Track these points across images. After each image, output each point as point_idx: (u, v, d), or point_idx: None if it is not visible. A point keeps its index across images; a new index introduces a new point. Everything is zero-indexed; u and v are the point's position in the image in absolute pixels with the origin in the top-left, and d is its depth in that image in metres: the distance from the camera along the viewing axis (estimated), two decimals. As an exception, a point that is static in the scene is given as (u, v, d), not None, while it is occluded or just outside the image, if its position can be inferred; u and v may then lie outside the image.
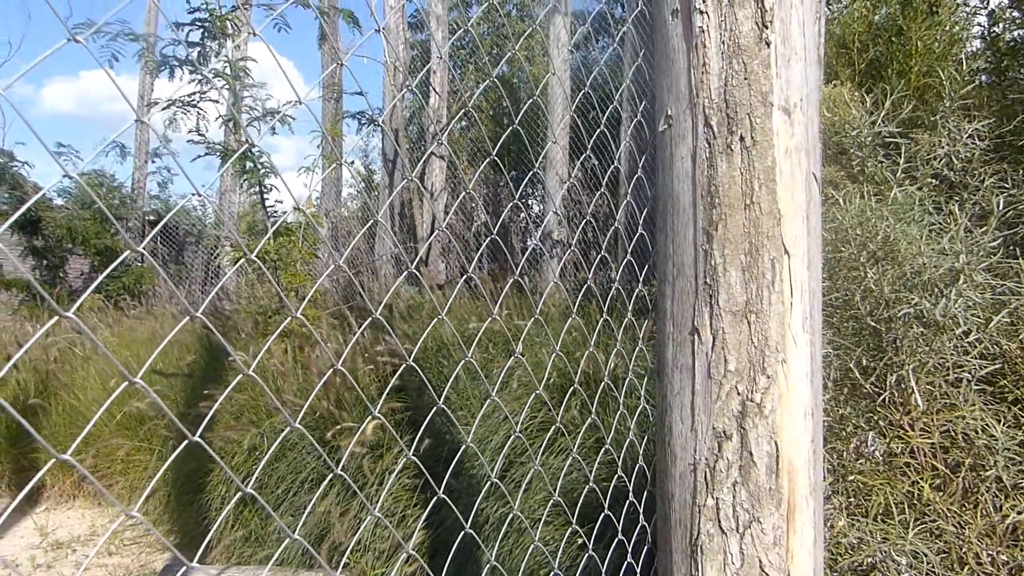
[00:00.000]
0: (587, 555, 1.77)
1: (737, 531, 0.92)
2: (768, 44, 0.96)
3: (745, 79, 0.95)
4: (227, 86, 5.11)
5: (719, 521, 0.93)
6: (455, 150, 8.92)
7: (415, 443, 2.98)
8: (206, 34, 5.12)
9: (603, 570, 1.69)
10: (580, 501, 2.12)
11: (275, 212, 5.74)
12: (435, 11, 9.86)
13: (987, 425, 1.39)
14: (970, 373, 1.50)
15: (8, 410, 0.57)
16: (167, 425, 4.40)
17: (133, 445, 4.46)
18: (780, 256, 0.94)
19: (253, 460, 3.75)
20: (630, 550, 1.48)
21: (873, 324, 1.56)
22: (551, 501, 2.88)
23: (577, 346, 3.73)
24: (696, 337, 0.97)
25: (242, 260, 5.46)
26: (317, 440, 3.46)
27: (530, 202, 9.90)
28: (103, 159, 13.01)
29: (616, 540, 1.68)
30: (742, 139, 0.95)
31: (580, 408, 3.10)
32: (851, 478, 1.49)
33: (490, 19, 11.52)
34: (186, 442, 0.82)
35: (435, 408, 1.12)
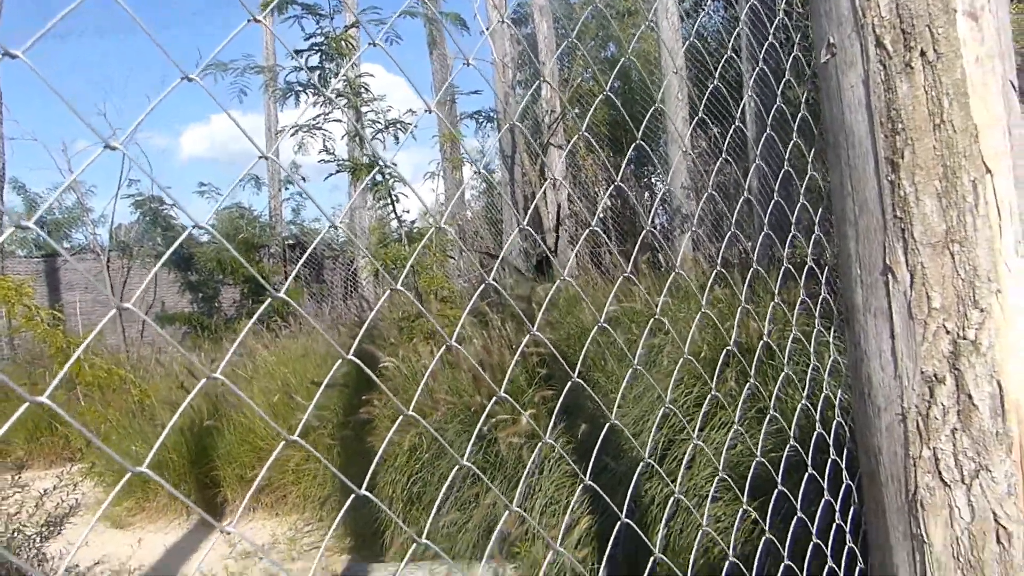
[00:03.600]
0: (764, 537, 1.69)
1: (963, 482, 0.84)
2: (941, -55, 0.87)
3: (919, -13, 0.87)
4: (349, 104, 5.28)
5: (939, 473, 0.85)
6: (571, 138, 8.86)
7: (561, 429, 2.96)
8: (324, 57, 5.31)
9: (787, 544, 1.60)
10: (750, 475, 2.03)
11: (405, 221, 5.89)
12: (538, 2, 9.84)
13: None
14: None
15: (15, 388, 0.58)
16: (331, 434, 4.59)
17: (302, 456, 4.69)
18: (981, 176, 0.85)
19: (415, 459, 3.85)
20: (838, 508, 1.40)
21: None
22: (716, 477, 2.79)
23: (723, 319, 3.61)
24: (890, 276, 0.89)
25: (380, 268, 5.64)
26: (474, 434, 3.51)
27: (654, 180, 9.74)
28: (240, 193, 13.82)
29: (796, 513, 1.59)
30: (923, 54, 0.86)
31: (736, 379, 2.99)
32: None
33: (593, 2, 11.37)
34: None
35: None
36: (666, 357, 3.32)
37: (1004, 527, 0.82)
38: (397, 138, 5.18)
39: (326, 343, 6.12)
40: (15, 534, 3.03)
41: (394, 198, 5.21)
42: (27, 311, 5.81)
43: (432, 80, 12.17)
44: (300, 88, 5.12)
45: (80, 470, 4.71)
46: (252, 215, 13.13)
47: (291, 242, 13.70)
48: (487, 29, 9.39)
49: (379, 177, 5.01)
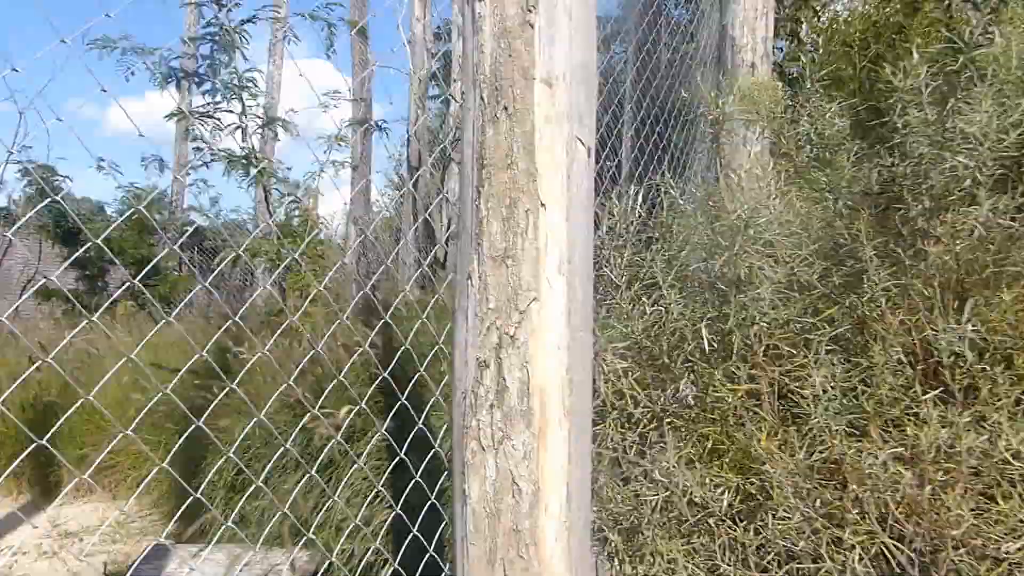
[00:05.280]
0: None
1: (493, 447, 1.06)
2: (532, 26, 1.10)
3: (510, 56, 1.09)
4: (235, 96, 5.37)
5: (480, 439, 1.07)
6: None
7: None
8: (215, 47, 5.38)
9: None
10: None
11: (290, 213, 5.97)
12: (457, 22, 10.07)
13: (809, 375, 1.49)
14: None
15: None
16: (168, 416, 4.63)
17: (142, 438, 4.70)
18: (535, 208, 1.08)
19: (246, 448, 3.95)
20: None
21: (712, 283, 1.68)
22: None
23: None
24: (469, 281, 1.11)
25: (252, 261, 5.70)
26: (297, 427, 3.64)
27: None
28: (142, 174, 13.49)
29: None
30: (506, 108, 1.09)
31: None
32: (667, 420, 1.62)
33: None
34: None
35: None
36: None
37: (517, 484, 1.04)
38: (276, 134, 5.30)
39: (190, 331, 6.12)
40: None
41: (267, 192, 5.32)
42: None
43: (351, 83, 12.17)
44: (182, 75, 5.17)
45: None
46: (153, 196, 12.84)
47: (188, 228, 13.43)
48: (407, 42, 9.59)
49: (252, 170, 5.11)
